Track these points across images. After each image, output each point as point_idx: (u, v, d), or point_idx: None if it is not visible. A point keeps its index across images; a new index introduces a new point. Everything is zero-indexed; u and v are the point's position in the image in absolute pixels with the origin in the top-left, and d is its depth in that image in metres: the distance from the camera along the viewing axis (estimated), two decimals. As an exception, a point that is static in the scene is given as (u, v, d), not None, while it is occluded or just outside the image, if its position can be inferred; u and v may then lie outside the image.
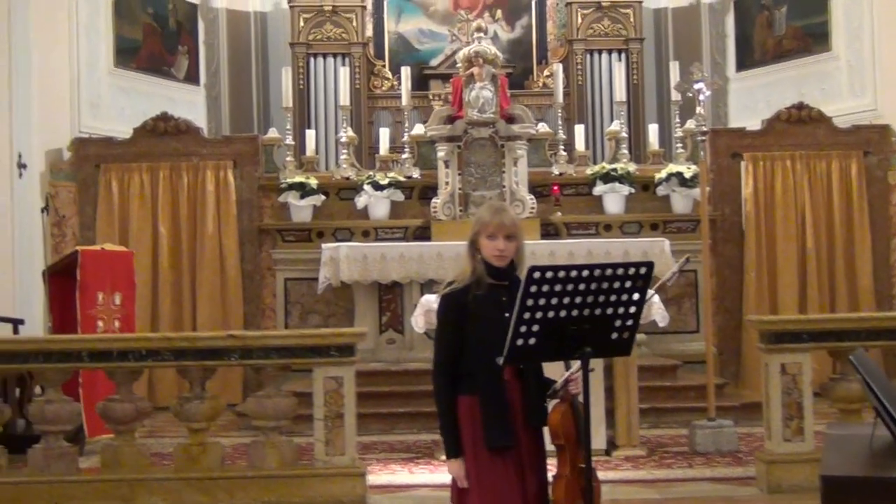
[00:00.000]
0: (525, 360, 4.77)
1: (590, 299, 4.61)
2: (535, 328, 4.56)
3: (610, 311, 4.68)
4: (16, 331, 10.98)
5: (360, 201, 13.06)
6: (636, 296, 4.70)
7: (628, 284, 4.66)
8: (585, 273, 4.57)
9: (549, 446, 4.93)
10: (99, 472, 7.83)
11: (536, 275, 4.51)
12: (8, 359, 7.61)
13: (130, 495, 7.52)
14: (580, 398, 4.85)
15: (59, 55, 13.46)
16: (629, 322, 4.76)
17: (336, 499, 7.52)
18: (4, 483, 7.56)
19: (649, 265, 4.69)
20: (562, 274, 4.54)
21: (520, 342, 4.58)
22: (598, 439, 8.73)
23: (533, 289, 4.51)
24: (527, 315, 4.54)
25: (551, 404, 4.94)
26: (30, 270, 12.35)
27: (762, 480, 7.79)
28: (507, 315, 4.74)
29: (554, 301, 4.55)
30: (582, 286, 4.58)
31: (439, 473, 8.45)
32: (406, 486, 8.21)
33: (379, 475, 8.51)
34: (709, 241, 10.47)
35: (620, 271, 4.63)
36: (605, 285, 4.62)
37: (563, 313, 4.59)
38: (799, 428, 7.67)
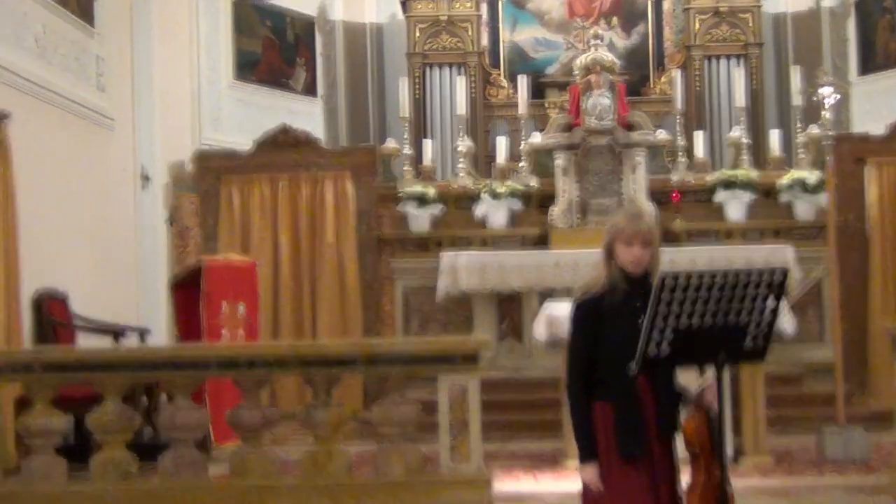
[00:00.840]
0: (657, 368, 4.72)
1: (722, 306, 4.56)
2: (668, 335, 4.52)
3: (744, 318, 4.62)
4: (142, 340, 11.19)
5: (479, 210, 13.08)
6: (771, 303, 4.64)
7: (763, 291, 4.60)
8: (718, 279, 4.52)
9: (682, 454, 4.89)
10: (228, 478, 7.90)
11: (668, 282, 4.48)
12: (139, 367, 7.71)
13: (259, 501, 7.56)
14: (715, 406, 4.79)
15: (180, 69, 13.71)
16: (764, 329, 4.70)
17: (462, 506, 7.50)
18: (137, 490, 7.66)
19: (785, 272, 4.63)
20: (694, 281, 4.49)
21: (651, 349, 4.55)
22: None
23: (665, 296, 4.47)
24: (658, 322, 4.51)
25: (685, 412, 4.90)
26: (154, 281, 12.58)
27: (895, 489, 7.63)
28: (641, 322, 4.70)
29: (686, 308, 4.51)
30: (714, 293, 4.53)
31: (564, 481, 8.42)
32: (531, 495, 8.18)
33: (504, 483, 8.49)
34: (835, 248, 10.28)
35: (755, 277, 4.57)
36: (738, 292, 4.56)
37: (695, 320, 4.55)
38: (935, 436, 7.50)
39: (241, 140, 13.77)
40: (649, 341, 4.55)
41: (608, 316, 4.84)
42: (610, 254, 4.93)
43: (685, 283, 4.51)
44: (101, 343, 10.64)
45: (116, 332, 10.84)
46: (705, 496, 4.78)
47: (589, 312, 4.89)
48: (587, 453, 4.89)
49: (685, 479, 4.91)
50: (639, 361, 4.61)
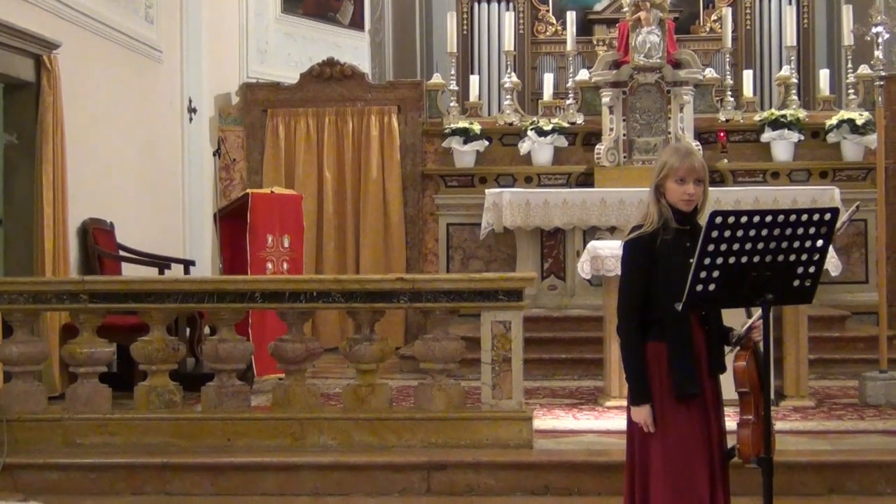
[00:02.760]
0: (704, 307, 4.71)
1: (772, 245, 4.54)
2: (716, 274, 4.51)
3: (792, 257, 4.60)
4: (187, 271, 11.26)
5: (524, 147, 13.02)
6: (820, 242, 4.61)
7: (812, 231, 4.57)
8: (769, 218, 4.49)
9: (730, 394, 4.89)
10: (270, 410, 7.98)
11: (718, 220, 4.45)
12: (184, 298, 7.77)
13: (301, 433, 7.65)
14: (761, 345, 4.78)
15: (228, 2, 13.69)
16: (812, 269, 4.68)
17: (503, 442, 7.54)
18: (180, 419, 7.75)
19: (834, 211, 4.59)
20: (744, 219, 4.46)
21: (699, 288, 4.53)
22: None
23: (714, 234, 4.45)
24: (707, 261, 4.49)
25: (732, 352, 4.89)
26: (200, 213, 12.65)
27: (937, 434, 7.61)
28: (691, 261, 4.67)
29: (735, 247, 4.49)
30: (764, 232, 4.50)
31: (604, 419, 8.43)
32: (571, 432, 8.19)
33: (543, 420, 8.51)
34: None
35: (804, 217, 4.54)
36: (787, 231, 4.54)
37: (744, 259, 4.53)
38: (978, 381, 7.46)
39: (288, 74, 13.77)
40: (697, 280, 4.53)
41: (660, 255, 4.81)
42: (660, 191, 4.90)
43: (735, 222, 4.48)
44: (147, 274, 10.72)
45: (161, 264, 10.91)
46: (756, 434, 4.78)
47: (641, 251, 4.86)
48: (641, 394, 4.87)
49: (732, 418, 4.89)
50: (686, 300, 4.59)
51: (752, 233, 4.48)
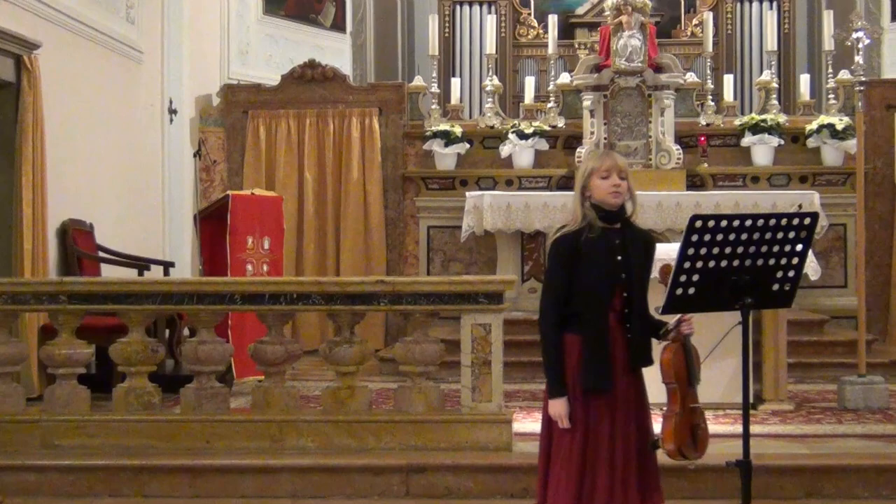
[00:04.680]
0: (684, 310, 4.75)
1: (751, 249, 4.58)
2: (695, 278, 4.53)
3: (772, 262, 4.64)
4: (166, 273, 11.24)
5: (505, 150, 13.03)
6: (799, 247, 4.64)
7: (791, 235, 4.60)
8: (748, 223, 4.52)
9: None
10: (249, 412, 7.96)
11: (698, 224, 4.48)
12: (163, 299, 7.74)
13: (280, 436, 7.63)
14: (691, 338, 4.86)
15: (210, 3, 13.69)
16: (791, 273, 4.71)
17: (482, 445, 7.54)
18: (159, 421, 7.73)
19: (814, 216, 4.62)
20: (724, 223, 4.50)
21: (679, 291, 4.56)
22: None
23: (694, 238, 4.48)
24: (687, 264, 4.52)
25: (662, 344, 4.93)
26: (180, 214, 12.62)
27: (915, 439, 7.64)
28: (619, 258, 4.85)
29: (715, 250, 4.53)
30: (744, 236, 4.54)
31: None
32: (551, 435, 8.17)
33: (523, 423, 8.51)
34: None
35: (784, 221, 4.57)
36: (767, 235, 4.57)
37: (723, 263, 4.56)
38: (956, 386, 7.49)
39: (269, 75, 13.76)
40: (677, 283, 4.56)
41: (585, 252, 4.90)
42: (584, 194, 5.00)
43: (715, 226, 4.50)
44: (126, 275, 10.69)
45: (141, 265, 10.89)
46: (680, 426, 4.82)
47: (567, 248, 4.94)
48: (557, 387, 4.96)
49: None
50: (666, 304, 4.63)
51: (731, 237, 4.51)
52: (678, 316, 4.86)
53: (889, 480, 7.22)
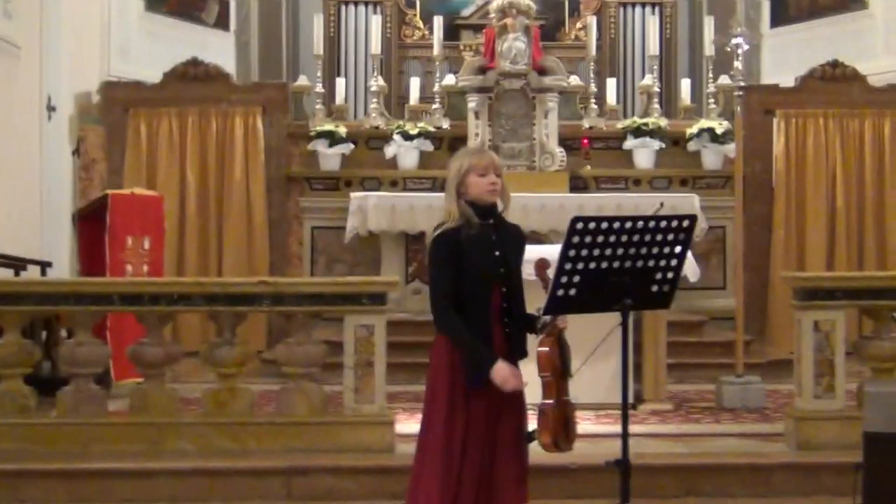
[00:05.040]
0: (565, 311, 4.77)
1: (632, 251, 4.62)
2: (577, 279, 4.56)
3: (651, 263, 4.69)
4: (43, 273, 11.02)
5: (389, 151, 13.02)
6: (678, 249, 4.69)
7: (671, 237, 4.65)
8: (629, 225, 4.56)
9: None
10: (128, 415, 7.85)
11: (579, 225, 4.51)
12: (40, 300, 7.61)
13: (159, 439, 7.54)
14: (565, 332, 4.91)
15: (89, -1, 13.44)
16: (670, 275, 4.76)
17: (365, 446, 7.52)
18: (35, 424, 7.59)
19: (693, 218, 4.68)
20: (605, 225, 4.53)
21: (560, 293, 4.58)
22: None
23: (576, 239, 4.50)
24: (568, 266, 4.55)
25: (538, 338, 4.97)
26: (58, 213, 12.38)
27: (791, 437, 7.76)
28: (497, 254, 4.89)
29: (595, 252, 4.56)
30: (624, 238, 4.58)
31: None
32: (433, 436, 8.18)
33: (406, 424, 8.47)
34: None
35: (664, 224, 4.62)
36: (647, 237, 4.62)
37: (604, 265, 4.59)
38: (830, 385, 7.62)
39: (151, 73, 13.53)
40: (558, 285, 4.58)
41: (466, 249, 4.91)
42: (459, 191, 5.01)
43: (596, 227, 4.54)
44: (1, 275, 10.46)
45: (17, 265, 10.67)
46: (555, 420, 4.86)
47: (449, 244, 4.94)
48: (488, 358, 4.88)
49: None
50: (547, 305, 4.65)
51: (612, 238, 4.54)
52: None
53: (765, 479, 7.36)
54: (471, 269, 4.90)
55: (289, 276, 12.71)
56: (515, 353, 5.03)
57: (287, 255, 13.21)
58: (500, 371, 4.84)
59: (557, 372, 4.89)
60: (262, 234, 13.01)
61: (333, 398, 8.11)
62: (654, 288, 4.77)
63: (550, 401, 4.88)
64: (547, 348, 4.87)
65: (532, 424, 5.01)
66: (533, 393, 5.03)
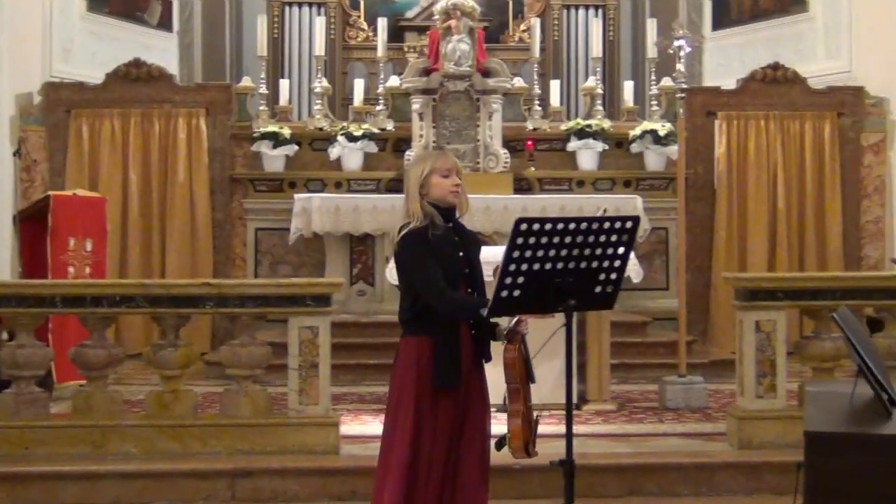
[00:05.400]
0: (509, 312, 4.79)
1: (575, 252, 4.64)
2: (521, 280, 4.58)
3: (595, 264, 4.71)
4: (-16, 275, 10.92)
5: (334, 152, 12.98)
6: (621, 250, 4.73)
7: (614, 238, 4.69)
8: (572, 226, 4.59)
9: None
10: (70, 417, 7.80)
11: (523, 227, 4.53)
12: (-20, 302, 7.55)
13: (102, 441, 7.49)
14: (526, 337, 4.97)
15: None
16: (613, 276, 4.79)
17: (309, 448, 7.51)
18: (-25, 427, 7.52)
19: (635, 220, 4.71)
20: (548, 226, 4.55)
21: (504, 294, 4.60)
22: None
23: (520, 240, 4.52)
24: (512, 267, 4.56)
25: (502, 345, 5.01)
26: (-2, 215, 12.27)
27: (733, 436, 7.84)
28: (461, 254, 4.98)
29: (540, 253, 4.57)
30: (568, 239, 4.60)
31: (411, 425, 8.45)
32: (378, 437, 8.17)
33: (351, 425, 8.51)
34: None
35: (607, 225, 4.65)
36: (591, 238, 4.64)
37: (548, 266, 4.61)
38: (771, 385, 7.70)
39: (94, 73, 13.42)
40: (502, 286, 4.60)
41: (434, 248, 4.96)
42: (421, 192, 5.06)
43: (540, 229, 4.56)
44: (-58, 277, 10.37)
45: (-43, 267, 10.57)
46: (524, 425, 4.90)
47: (421, 241, 4.99)
48: (486, 309, 4.85)
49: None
50: (491, 306, 4.67)
51: (555, 240, 4.56)
52: (516, 317, 4.91)
53: (707, 478, 7.43)
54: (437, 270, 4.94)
55: (232, 277, 12.65)
56: (482, 355, 5.09)
57: (231, 257, 13.14)
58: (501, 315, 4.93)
59: (524, 378, 4.92)
60: (206, 236, 12.94)
61: (278, 400, 8.10)
62: (598, 289, 4.80)
63: (519, 407, 4.90)
64: (514, 355, 4.91)
65: (496, 430, 5.06)
66: (494, 396, 5.10)
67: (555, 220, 4.59)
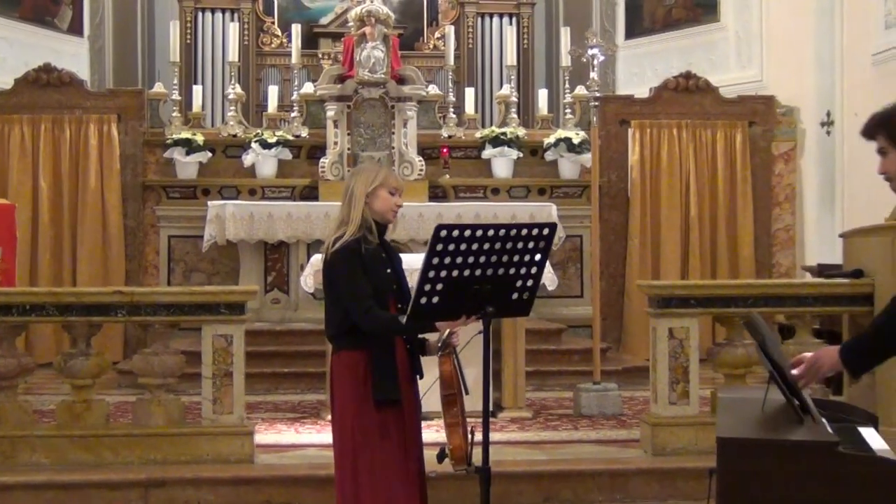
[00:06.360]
0: (427, 319, 4.78)
1: (493, 259, 4.65)
2: (439, 287, 4.57)
3: (512, 271, 4.72)
4: None
5: (248, 159, 12.90)
6: (538, 257, 4.74)
7: (531, 245, 4.70)
8: (491, 232, 4.59)
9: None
10: (-22, 428, 7.65)
11: (443, 233, 4.52)
12: None
13: (12, 452, 7.36)
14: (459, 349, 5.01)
15: (-63, 1, 13.10)
16: (530, 283, 4.80)
17: (223, 457, 7.44)
18: None
19: (552, 226, 4.72)
20: (468, 233, 4.55)
21: (423, 300, 4.59)
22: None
23: (439, 247, 4.52)
24: (431, 273, 4.56)
25: (437, 357, 5.01)
26: None
27: (647, 443, 7.88)
28: (388, 270, 4.98)
29: (459, 260, 4.57)
30: (486, 245, 4.60)
31: (326, 433, 8.37)
32: (293, 446, 8.17)
33: (265, 434, 8.46)
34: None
35: (525, 232, 4.66)
36: (508, 245, 4.65)
37: (466, 272, 4.61)
38: (685, 391, 7.76)
39: (3, 79, 13.24)
40: (421, 292, 4.59)
41: (366, 263, 4.94)
42: (369, 198, 5.06)
43: (459, 235, 4.55)
44: None
45: None
46: (463, 435, 4.91)
47: (353, 255, 4.96)
48: (428, 324, 4.88)
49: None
50: (410, 313, 4.66)
51: (475, 246, 4.57)
52: (447, 330, 4.90)
53: (622, 484, 7.46)
54: (370, 285, 4.93)
55: (145, 285, 12.54)
56: (416, 371, 5.12)
57: (143, 265, 13.02)
58: (441, 326, 4.87)
59: (459, 388, 4.92)
60: (118, 243, 12.80)
61: (192, 409, 8.03)
62: (515, 295, 4.81)
63: (457, 417, 4.90)
64: (449, 366, 4.91)
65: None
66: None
67: (475, 227, 4.59)
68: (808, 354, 4.24)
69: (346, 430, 5.03)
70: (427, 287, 4.57)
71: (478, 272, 4.62)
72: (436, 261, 4.55)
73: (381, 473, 4.95)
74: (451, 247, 4.53)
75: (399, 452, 5.00)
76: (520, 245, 4.66)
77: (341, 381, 5.06)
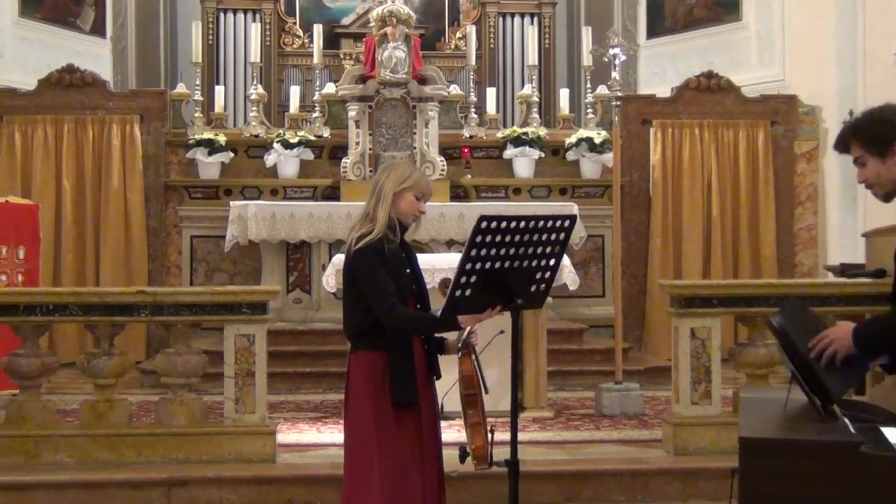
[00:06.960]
0: (461, 312, 4.71)
1: (521, 251, 4.63)
2: (474, 279, 4.55)
3: (535, 263, 4.72)
4: (-86, 284, 10.76)
5: (269, 159, 12.93)
6: (557, 249, 4.74)
7: (553, 237, 4.68)
8: (531, 224, 4.58)
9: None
10: (3, 427, 7.69)
11: (484, 224, 4.49)
12: (-90, 311, 7.43)
13: (35, 451, 7.39)
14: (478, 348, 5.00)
15: (-39, 4, 13.16)
16: (548, 275, 4.80)
17: (245, 457, 7.46)
18: None
19: (573, 218, 4.72)
20: (509, 224, 4.54)
21: (458, 293, 4.57)
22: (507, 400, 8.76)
23: (479, 238, 4.49)
24: (468, 266, 4.53)
25: (457, 356, 5.00)
26: (-72, 222, 12.09)
27: (668, 443, 7.86)
28: (408, 271, 4.98)
29: (493, 252, 4.54)
30: (517, 238, 4.58)
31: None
32: (315, 445, 8.17)
33: (287, 434, 8.47)
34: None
35: (550, 224, 4.65)
36: (535, 237, 4.64)
37: (497, 264, 4.59)
38: (706, 392, 7.74)
39: (25, 80, 13.30)
40: (458, 285, 4.56)
41: (388, 262, 4.92)
42: (397, 198, 5.05)
43: (497, 227, 4.52)
44: None
45: None
46: (484, 434, 4.91)
47: (377, 253, 4.93)
48: (453, 319, 4.80)
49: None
50: (447, 306, 4.62)
51: (508, 238, 4.54)
52: (466, 329, 4.89)
53: (644, 484, 7.44)
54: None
55: (167, 285, 12.58)
56: (434, 371, 5.11)
57: (166, 265, 13.06)
58: (465, 320, 4.81)
59: (479, 387, 4.92)
60: (141, 243, 12.85)
61: (214, 408, 8.05)
62: (533, 287, 4.81)
63: (478, 416, 4.90)
64: (470, 365, 4.91)
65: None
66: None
67: (518, 219, 4.56)
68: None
69: (363, 430, 5.02)
70: (463, 279, 4.54)
71: (506, 264, 4.61)
72: (474, 252, 4.51)
73: (394, 469, 4.94)
74: (489, 238, 4.50)
75: (416, 454, 4.98)
76: (544, 237, 4.65)
77: (358, 381, 5.04)
